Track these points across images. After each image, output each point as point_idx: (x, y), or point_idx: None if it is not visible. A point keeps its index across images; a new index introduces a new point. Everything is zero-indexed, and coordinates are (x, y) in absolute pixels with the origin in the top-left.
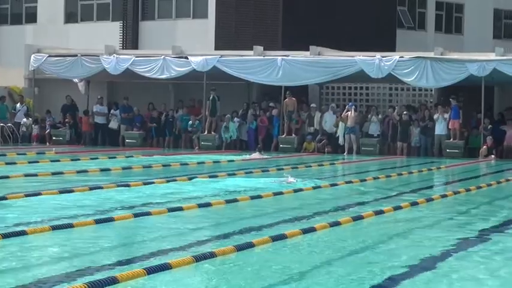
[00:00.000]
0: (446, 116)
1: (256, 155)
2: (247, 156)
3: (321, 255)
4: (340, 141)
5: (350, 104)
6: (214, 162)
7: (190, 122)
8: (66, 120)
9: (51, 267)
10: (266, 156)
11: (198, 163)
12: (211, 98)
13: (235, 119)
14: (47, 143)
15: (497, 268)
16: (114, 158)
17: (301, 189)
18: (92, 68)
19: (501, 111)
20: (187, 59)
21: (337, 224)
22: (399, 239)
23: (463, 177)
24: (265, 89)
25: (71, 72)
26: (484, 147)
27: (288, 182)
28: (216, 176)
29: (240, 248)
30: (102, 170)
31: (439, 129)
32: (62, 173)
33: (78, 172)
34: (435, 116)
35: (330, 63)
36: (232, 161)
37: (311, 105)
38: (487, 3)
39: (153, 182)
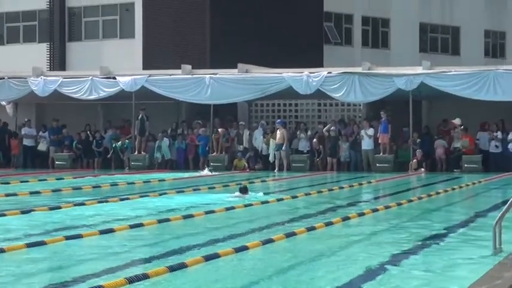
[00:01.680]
0: (372, 130)
1: (205, 172)
2: (198, 174)
3: (254, 273)
4: (271, 158)
5: (279, 121)
6: (145, 182)
7: (120, 142)
8: None
9: None
10: (216, 173)
11: (129, 183)
12: (140, 117)
13: (165, 139)
14: None
15: (432, 280)
16: (45, 180)
17: (233, 207)
18: (19, 90)
19: (428, 124)
20: (116, 79)
21: (269, 241)
22: (332, 254)
23: (394, 191)
24: (196, 108)
25: None
26: (414, 160)
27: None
28: (147, 196)
29: (172, 268)
30: (32, 192)
31: (366, 144)
32: None
33: (7, 195)
34: (361, 132)
35: (258, 80)
36: (164, 180)
37: (240, 123)
38: (412, 17)
39: (83, 204)
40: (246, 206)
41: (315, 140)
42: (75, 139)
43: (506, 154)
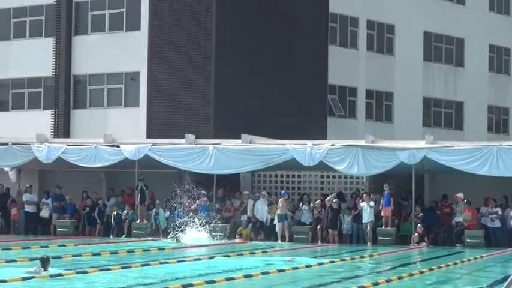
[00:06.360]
0: (372, 204)
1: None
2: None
3: None
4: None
5: (283, 192)
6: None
7: (125, 211)
8: None
9: None
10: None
11: (145, 250)
12: (139, 188)
13: (162, 210)
14: None
15: None
16: (46, 247)
17: (232, 278)
18: (23, 156)
19: (431, 198)
20: (119, 147)
21: None
22: None
23: (396, 264)
24: (198, 177)
25: (2, 161)
26: (416, 234)
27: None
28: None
29: None
30: (31, 259)
31: (365, 217)
32: None
33: (7, 262)
34: (361, 204)
35: (261, 151)
36: (163, 248)
37: (243, 193)
38: (416, 91)
39: (86, 272)
40: (246, 277)
41: (317, 202)
42: (78, 207)
43: (508, 229)
